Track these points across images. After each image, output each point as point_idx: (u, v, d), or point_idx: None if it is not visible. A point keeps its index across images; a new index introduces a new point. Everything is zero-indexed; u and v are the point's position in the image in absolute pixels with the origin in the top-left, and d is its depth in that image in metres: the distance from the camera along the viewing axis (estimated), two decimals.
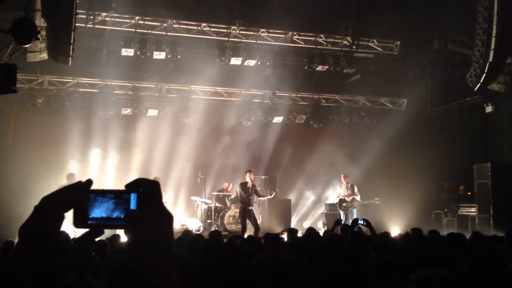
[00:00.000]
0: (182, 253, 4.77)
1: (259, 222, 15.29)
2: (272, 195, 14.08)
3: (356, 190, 14.92)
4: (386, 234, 7.63)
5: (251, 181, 12.76)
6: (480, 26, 13.12)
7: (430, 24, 15.63)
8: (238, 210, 14.43)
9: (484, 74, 13.18)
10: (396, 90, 18.29)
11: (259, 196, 13.29)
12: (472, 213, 15.19)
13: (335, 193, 15.52)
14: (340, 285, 3.27)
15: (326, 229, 14.21)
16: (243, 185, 12.80)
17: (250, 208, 12.87)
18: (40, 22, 9.06)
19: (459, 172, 16.58)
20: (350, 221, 10.47)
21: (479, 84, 13.44)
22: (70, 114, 15.57)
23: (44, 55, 10.08)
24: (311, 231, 8.05)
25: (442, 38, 16.03)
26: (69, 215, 1.48)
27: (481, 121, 16.55)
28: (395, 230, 14.21)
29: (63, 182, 13.16)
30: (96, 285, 3.39)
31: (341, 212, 14.79)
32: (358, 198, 14.81)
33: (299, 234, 9.33)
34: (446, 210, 16.51)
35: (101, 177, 15.74)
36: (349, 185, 15.01)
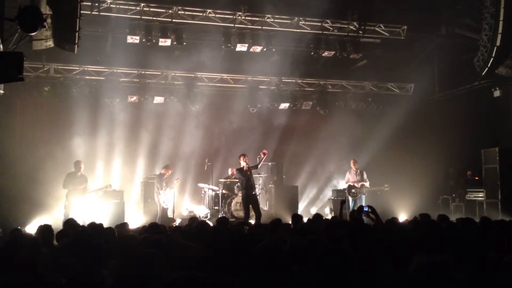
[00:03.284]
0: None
1: (266, 208, 15.34)
2: (264, 155, 13.35)
3: (365, 176, 14.92)
4: (394, 220, 7.62)
5: (246, 164, 12.68)
6: (487, 10, 12.99)
7: (437, 9, 15.45)
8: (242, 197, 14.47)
9: (492, 59, 13.07)
10: (403, 75, 18.19)
11: (256, 166, 13.01)
12: (480, 198, 15.15)
13: (344, 178, 15.50)
14: (341, 266, 3.27)
15: (333, 215, 14.24)
16: (240, 170, 12.72)
17: (253, 193, 12.80)
18: (45, 10, 9.04)
19: (466, 157, 16.50)
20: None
21: (487, 68, 13.33)
22: (77, 102, 15.58)
23: (50, 43, 10.06)
24: (317, 216, 8.04)
25: (450, 23, 15.87)
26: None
27: (489, 106, 16.45)
28: (402, 216, 14.22)
29: (70, 169, 13.23)
30: (103, 273, 3.42)
31: (350, 198, 14.81)
32: (367, 184, 14.81)
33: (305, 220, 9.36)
34: (453, 195, 16.47)
35: (108, 165, 15.82)
36: (358, 171, 15.01)
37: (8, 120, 15.07)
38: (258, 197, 13.88)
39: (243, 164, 12.61)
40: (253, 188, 12.82)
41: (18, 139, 15.33)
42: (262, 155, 12.90)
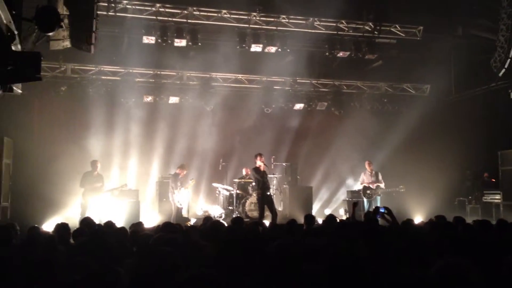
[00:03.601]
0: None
1: (280, 208, 15.32)
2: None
3: (380, 177, 14.82)
4: (409, 221, 7.57)
5: (263, 163, 12.65)
6: (504, 10, 12.89)
7: (453, 9, 15.32)
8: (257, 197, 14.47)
9: (509, 59, 12.97)
10: (419, 76, 18.05)
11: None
12: (496, 200, 15.00)
13: (359, 179, 15.42)
14: (354, 267, 3.26)
15: (348, 216, 14.18)
16: (256, 169, 12.73)
17: (268, 193, 12.75)
18: (62, 10, 9.12)
19: (483, 159, 16.36)
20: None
21: (504, 69, 13.23)
22: (93, 102, 15.72)
23: (67, 43, 10.15)
24: (330, 217, 8.04)
25: (466, 23, 15.73)
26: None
27: (505, 107, 16.25)
28: (418, 218, 14.12)
29: (87, 168, 13.35)
30: (119, 271, 3.45)
31: (365, 199, 14.72)
32: (382, 185, 14.71)
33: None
34: (469, 197, 16.32)
35: (123, 164, 15.93)
36: (373, 172, 14.92)
37: (26, 120, 15.25)
38: (272, 197, 13.85)
39: (259, 163, 12.60)
40: (269, 188, 12.78)
41: (36, 138, 15.50)
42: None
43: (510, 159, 14.38)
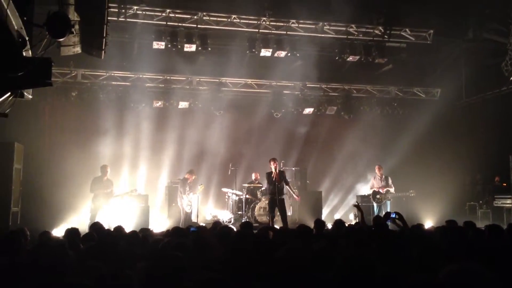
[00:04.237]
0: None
1: (289, 213, 15.26)
2: (297, 199, 14.20)
3: (390, 182, 14.73)
4: (420, 226, 7.52)
5: (275, 169, 12.62)
6: None
7: (464, 12, 15.25)
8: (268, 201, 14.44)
9: None
10: (430, 80, 17.99)
11: (287, 185, 13.07)
12: (508, 205, 14.87)
13: (369, 184, 15.35)
14: (364, 272, 3.24)
15: (357, 221, 14.11)
16: (268, 174, 12.73)
17: (280, 198, 12.58)
18: (73, 16, 9.18)
19: (494, 163, 16.23)
20: (384, 213, 10.43)
21: None
22: (103, 107, 15.82)
23: (78, 49, 10.20)
24: (338, 222, 8.01)
25: (477, 27, 15.63)
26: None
27: None
28: (428, 222, 14.02)
29: (97, 173, 13.40)
30: (132, 276, 3.45)
31: (375, 204, 14.63)
32: (392, 190, 14.62)
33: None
34: (480, 201, 16.20)
35: (133, 169, 15.98)
36: (383, 176, 14.83)
37: (36, 125, 15.37)
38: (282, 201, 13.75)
39: (272, 168, 12.58)
40: (280, 194, 12.63)
41: (47, 143, 15.62)
42: (295, 197, 13.94)
43: None
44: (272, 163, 12.63)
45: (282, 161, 15.86)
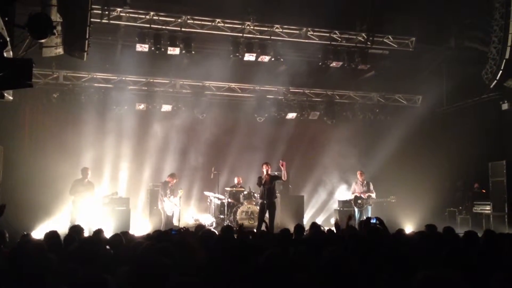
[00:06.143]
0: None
1: None
2: (283, 166, 13.20)
3: (371, 187, 14.86)
4: (401, 231, 7.58)
5: (266, 173, 12.59)
6: (496, 22, 12.97)
7: (446, 21, 15.43)
8: (250, 206, 14.45)
9: (501, 71, 13.02)
10: (411, 87, 18.16)
11: (280, 178, 12.94)
12: (486, 211, 15.05)
13: (350, 189, 15.45)
14: (342, 276, 3.26)
15: (336, 223, 14.12)
16: (258, 178, 12.77)
17: (270, 201, 12.49)
18: (56, 17, 9.12)
19: (474, 170, 16.43)
20: (364, 218, 10.50)
21: (495, 81, 13.28)
22: (85, 109, 15.69)
23: (60, 50, 10.14)
24: (313, 225, 8.10)
25: (458, 35, 15.83)
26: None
27: (496, 119, 16.37)
28: (408, 227, 14.14)
29: (78, 175, 13.29)
30: (108, 279, 3.43)
31: (356, 209, 14.73)
32: (373, 195, 14.75)
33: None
34: (460, 207, 16.39)
35: (114, 172, 15.87)
36: (365, 182, 14.95)
37: (16, 126, 15.20)
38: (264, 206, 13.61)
39: (264, 171, 12.60)
40: (270, 198, 12.56)
41: (27, 145, 15.43)
42: (281, 166, 12.63)
43: (501, 170, 14.44)
44: (264, 166, 12.66)
45: (266, 162, 15.87)
